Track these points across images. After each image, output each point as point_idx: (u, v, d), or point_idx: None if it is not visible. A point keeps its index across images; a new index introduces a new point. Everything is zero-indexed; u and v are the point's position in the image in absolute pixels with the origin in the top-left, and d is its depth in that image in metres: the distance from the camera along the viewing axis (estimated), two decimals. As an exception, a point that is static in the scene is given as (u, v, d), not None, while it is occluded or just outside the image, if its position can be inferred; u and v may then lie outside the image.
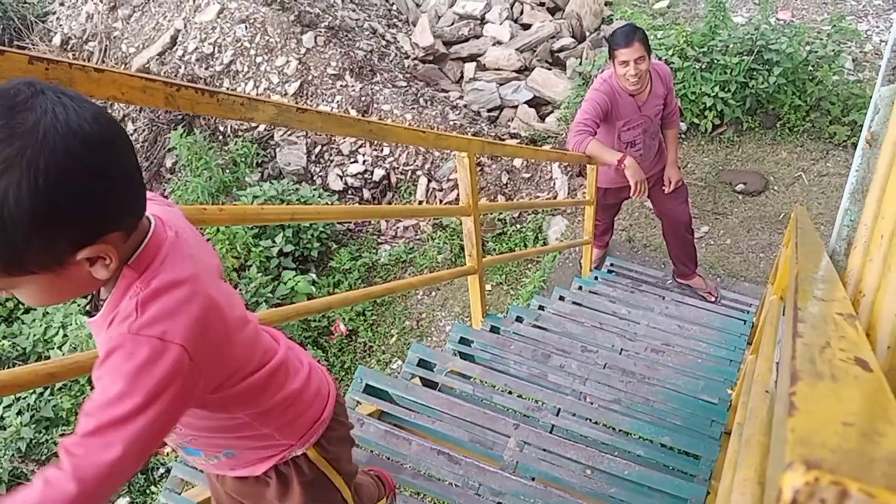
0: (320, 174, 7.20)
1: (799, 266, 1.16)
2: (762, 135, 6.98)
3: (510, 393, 3.12)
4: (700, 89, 6.65)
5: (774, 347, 2.07)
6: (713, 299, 5.45)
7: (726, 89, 6.65)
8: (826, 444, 0.40)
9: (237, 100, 1.76)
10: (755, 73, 6.64)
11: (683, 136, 6.99)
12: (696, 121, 6.88)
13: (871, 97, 5.96)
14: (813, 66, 6.94)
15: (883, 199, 1.32)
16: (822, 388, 0.49)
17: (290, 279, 6.03)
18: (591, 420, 2.98)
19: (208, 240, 6.17)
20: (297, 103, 7.25)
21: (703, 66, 6.71)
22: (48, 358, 5.30)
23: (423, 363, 3.12)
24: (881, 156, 1.67)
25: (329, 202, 6.57)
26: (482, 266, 3.53)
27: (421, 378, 3.12)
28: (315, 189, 6.76)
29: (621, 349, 3.94)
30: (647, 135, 4.51)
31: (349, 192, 7.13)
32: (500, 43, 8.68)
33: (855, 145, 6.51)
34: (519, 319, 4.11)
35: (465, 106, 7.88)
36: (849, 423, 0.43)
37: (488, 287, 6.16)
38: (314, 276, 6.35)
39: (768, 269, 5.86)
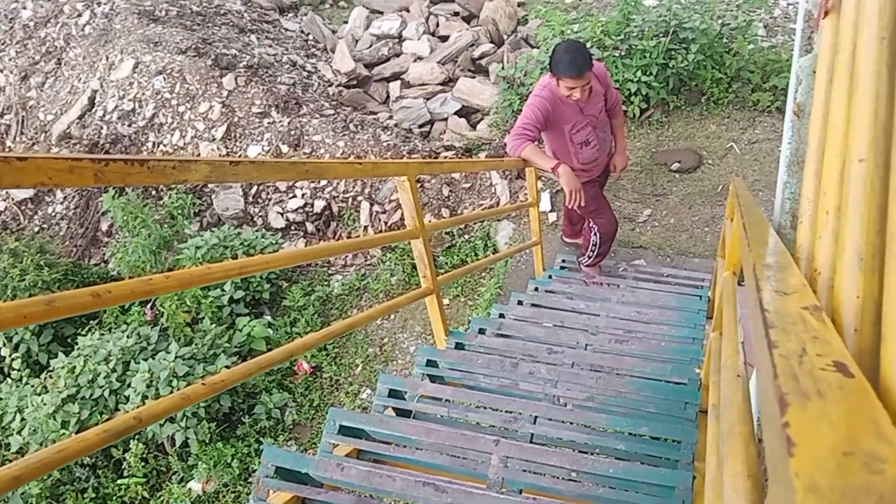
0: (260, 214, 7.12)
1: (753, 253, 1.16)
2: (689, 112, 7.10)
3: (485, 408, 3.10)
4: (623, 76, 6.74)
5: (736, 326, 2.09)
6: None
7: (648, 73, 6.75)
8: (833, 485, 0.39)
9: (168, 164, 1.72)
10: (674, 53, 6.76)
11: (613, 124, 7.08)
12: (623, 108, 6.97)
13: (787, 61, 6.16)
14: (727, 39, 7.10)
15: (822, 174, 1.34)
16: (812, 411, 0.49)
17: (245, 325, 5.94)
18: (568, 422, 2.97)
19: (156, 300, 6.05)
20: (226, 147, 7.16)
21: (623, 53, 6.82)
22: (8, 445, 5.13)
23: (393, 393, 3.08)
24: (811, 127, 1.69)
25: (273, 241, 6.49)
26: (438, 285, 3.52)
27: (394, 408, 3.09)
28: (257, 230, 6.68)
29: (586, 345, 3.95)
30: (598, 130, 4.56)
31: (292, 227, 7.06)
32: (420, 58, 8.71)
33: (779, 110, 6.68)
34: (482, 331, 4.10)
35: (395, 125, 7.88)
36: (849, 453, 0.43)
37: (446, 301, 6.15)
38: (269, 318, 6.27)
39: (714, 241, 5.96)
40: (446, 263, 6.37)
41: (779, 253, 1.20)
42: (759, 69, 7.00)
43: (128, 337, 5.61)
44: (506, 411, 3.05)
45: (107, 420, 5.02)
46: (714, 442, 1.96)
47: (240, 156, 7.21)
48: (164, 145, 7.37)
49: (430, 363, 3.47)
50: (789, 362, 0.56)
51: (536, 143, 4.37)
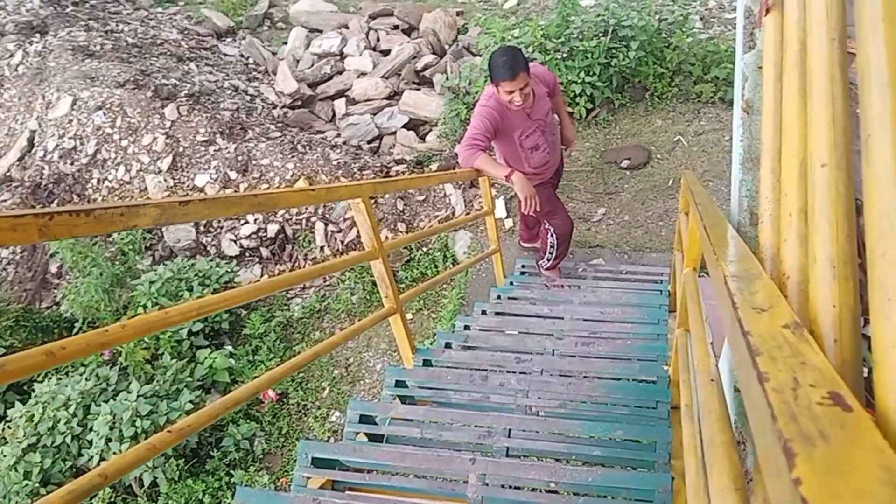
0: (213, 243, 7.00)
1: (720, 264, 1.15)
2: (635, 108, 7.17)
3: (458, 425, 3.07)
4: (567, 78, 6.78)
5: (704, 326, 2.09)
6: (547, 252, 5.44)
7: (591, 73, 6.80)
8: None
9: (115, 211, 1.66)
10: (615, 51, 6.83)
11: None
12: (569, 109, 7.01)
13: (726, 51, 6.22)
14: (666, 34, 7.19)
15: (781, 174, 1.34)
16: (820, 461, 0.47)
17: (206, 358, 5.83)
18: (542, 433, 2.95)
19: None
20: (172, 178, 7.04)
21: (565, 55, 6.86)
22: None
23: (364, 418, 3.04)
24: (763, 125, 1.70)
25: (228, 270, 6.40)
26: (401, 304, 3.48)
27: (366, 433, 3.04)
28: (211, 260, 6.57)
29: (553, 350, 3.94)
30: (547, 133, 4.56)
31: (247, 254, 6.96)
32: (364, 74, 8.67)
33: (722, 100, 6.77)
34: (448, 346, 4.06)
35: (344, 143, 7.83)
36: (869, 512, 0.41)
37: (409, 316, 6.11)
38: (230, 348, 6.16)
39: (669, 235, 6.01)
40: (406, 278, 6.33)
41: (745, 259, 1.19)
42: (700, 61, 7.10)
43: (86, 380, 5.46)
44: (479, 426, 3.02)
45: (70, 467, 4.89)
46: (691, 443, 1.96)
47: (188, 185, 7.09)
48: (110, 181, 7.21)
49: (400, 383, 3.43)
50: (784, 398, 0.54)
51: (487, 151, 4.36)
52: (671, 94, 7.11)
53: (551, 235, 5.19)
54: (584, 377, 3.54)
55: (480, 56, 7.72)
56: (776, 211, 1.40)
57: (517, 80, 4.02)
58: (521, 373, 3.59)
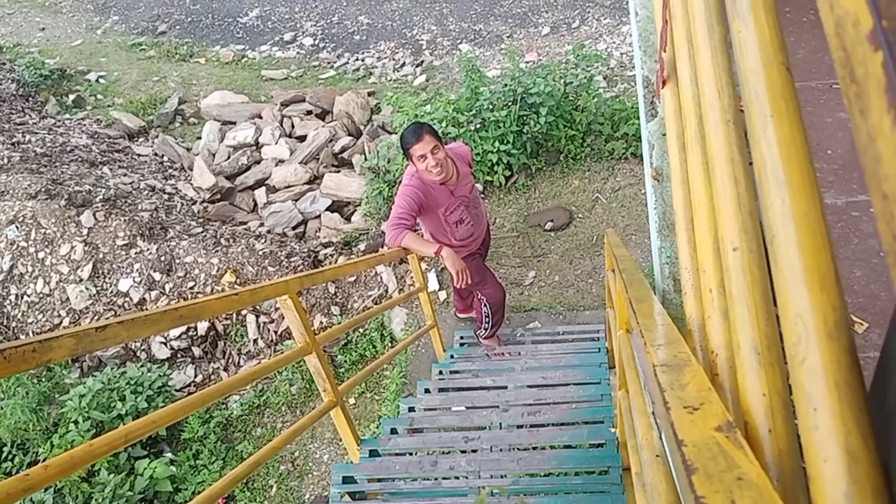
0: (143, 348, 6.81)
1: (648, 347, 1.16)
2: (551, 171, 7.32)
3: (412, 517, 3.00)
4: (482, 148, 6.90)
5: (643, 395, 2.09)
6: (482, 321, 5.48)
7: (505, 141, 6.93)
8: None
9: (27, 349, 1.59)
10: (525, 118, 6.99)
11: (483, 194, 7.20)
12: (489, 178, 7.11)
13: (632, 108, 6.39)
14: (573, 96, 7.40)
15: (697, 247, 1.36)
16: None
17: (145, 469, 5.61)
18: (498, 515, 2.90)
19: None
20: (94, 286, 6.86)
21: (478, 127, 6.98)
22: None
23: (314, 522, 2.94)
24: (674, 194, 1.73)
25: (161, 374, 6.21)
26: (340, 396, 3.41)
27: (318, 537, 2.94)
28: (142, 366, 6.38)
29: (500, 423, 3.91)
30: (471, 207, 4.62)
31: (178, 355, 6.78)
32: (282, 161, 8.67)
33: (634, 155, 6.96)
34: (394, 431, 4.00)
35: (268, 232, 7.76)
36: None
37: (351, 400, 6.01)
38: (170, 454, 5.95)
39: (600, 291, 6.09)
40: (345, 362, 6.24)
41: (673, 343, 1.20)
42: (608, 120, 7.32)
43: (18, 509, 5.17)
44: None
45: None
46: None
47: (111, 291, 6.91)
48: (29, 295, 6.98)
49: (347, 479, 3.34)
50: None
51: (413, 227, 4.38)
52: (585, 155, 7.29)
53: (484, 305, 5.21)
54: (534, 449, 3.52)
55: (396, 134, 7.81)
56: (696, 282, 1.42)
57: (424, 142, 4.10)
58: (471, 451, 3.54)
